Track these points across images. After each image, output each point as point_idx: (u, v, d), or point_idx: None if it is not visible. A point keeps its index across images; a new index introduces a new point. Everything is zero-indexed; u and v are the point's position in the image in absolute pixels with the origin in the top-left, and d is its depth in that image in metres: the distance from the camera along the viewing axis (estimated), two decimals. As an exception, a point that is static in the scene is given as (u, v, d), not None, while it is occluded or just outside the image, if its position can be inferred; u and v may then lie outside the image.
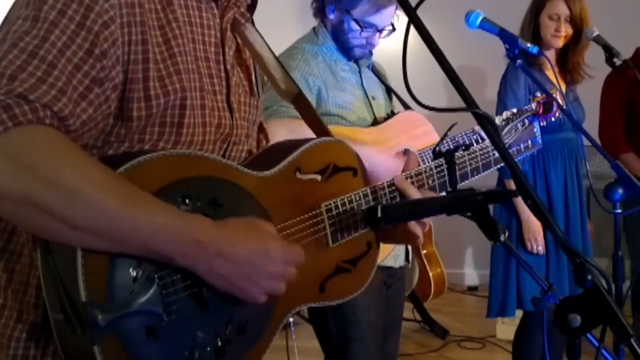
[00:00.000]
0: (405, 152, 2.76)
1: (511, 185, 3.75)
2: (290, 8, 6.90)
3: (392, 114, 3.05)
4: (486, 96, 3.84)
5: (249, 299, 1.37)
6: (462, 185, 1.95)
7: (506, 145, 2.18)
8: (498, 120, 2.29)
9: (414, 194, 1.75)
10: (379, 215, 1.66)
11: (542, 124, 2.39)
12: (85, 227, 1.20)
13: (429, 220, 1.77)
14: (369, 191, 1.72)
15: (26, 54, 1.23)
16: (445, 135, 1.95)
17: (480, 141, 2.58)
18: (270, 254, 1.37)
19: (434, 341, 5.78)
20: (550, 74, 3.75)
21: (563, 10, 3.81)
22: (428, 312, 5.99)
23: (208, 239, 1.30)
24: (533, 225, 3.76)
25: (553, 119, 2.83)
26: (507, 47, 3.10)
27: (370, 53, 3.04)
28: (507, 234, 1.45)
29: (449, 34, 4.19)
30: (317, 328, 3.02)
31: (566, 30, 3.80)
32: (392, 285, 3.09)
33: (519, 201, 3.73)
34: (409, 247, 3.13)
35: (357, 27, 2.87)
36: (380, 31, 2.93)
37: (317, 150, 1.65)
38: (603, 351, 1.29)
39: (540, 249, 3.75)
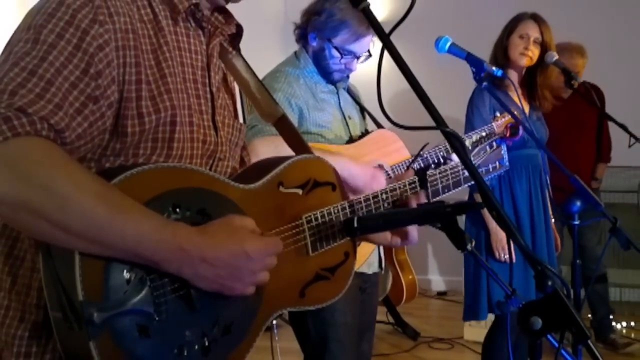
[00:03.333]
0: (379, 167, 2.78)
1: (479, 198, 3.75)
2: (274, 33, 6.91)
3: (366, 132, 3.07)
4: (455, 115, 3.85)
5: (238, 293, 1.39)
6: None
7: (475, 166, 2.19)
8: (468, 142, 2.30)
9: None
10: (356, 225, 1.67)
11: (508, 144, 2.40)
12: (76, 232, 1.21)
13: (413, 236, 1.77)
14: (346, 204, 1.73)
15: (26, 72, 1.24)
16: (418, 155, 1.96)
17: (449, 153, 2.58)
18: (250, 254, 1.37)
19: (406, 342, 5.77)
20: (513, 94, 3.76)
21: (533, 31, 3.81)
22: (401, 316, 5.98)
23: (191, 246, 1.30)
24: (500, 235, 3.74)
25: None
26: (474, 70, 3.11)
27: (347, 76, 3.06)
28: (473, 243, 1.46)
29: (420, 57, 4.20)
30: (296, 330, 3.01)
31: (533, 51, 3.79)
32: (367, 289, 3.10)
33: (487, 213, 3.73)
34: (382, 255, 3.14)
35: (337, 54, 2.90)
36: (358, 57, 2.95)
37: (298, 166, 1.67)
38: (562, 351, 1.29)
39: (507, 257, 3.73)
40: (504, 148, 2.30)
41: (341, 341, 2.89)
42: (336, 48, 2.88)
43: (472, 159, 2.17)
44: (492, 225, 3.75)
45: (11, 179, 1.18)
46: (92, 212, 1.22)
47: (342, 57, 2.90)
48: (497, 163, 2.27)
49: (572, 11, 6.68)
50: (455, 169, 2.04)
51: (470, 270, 3.89)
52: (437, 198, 1.99)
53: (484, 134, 2.33)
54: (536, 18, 3.88)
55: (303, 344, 3.01)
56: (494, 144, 2.28)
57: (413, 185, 1.91)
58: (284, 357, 4.39)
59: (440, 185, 2.00)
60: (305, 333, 2.95)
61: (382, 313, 5.54)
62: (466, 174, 2.09)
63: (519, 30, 3.85)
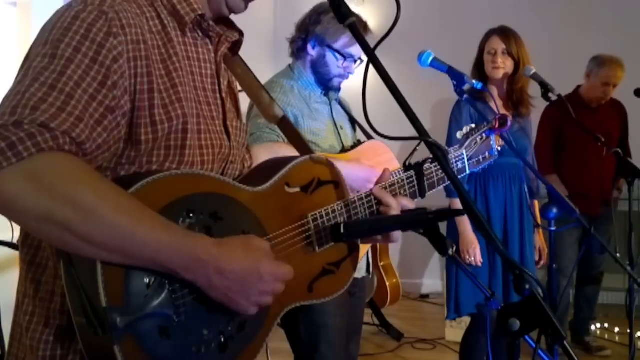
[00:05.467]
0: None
1: (455, 203, 3.80)
2: (264, 50, 6.92)
3: (358, 142, 3.08)
4: (438, 126, 3.86)
5: (241, 311, 1.39)
6: (430, 193, 1.97)
7: (468, 156, 2.21)
8: (459, 134, 2.32)
9: (391, 201, 1.79)
10: (342, 231, 1.67)
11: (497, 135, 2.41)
12: (100, 243, 1.22)
13: (397, 236, 1.78)
14: (349, 202, 1.75)
15: (46, 87, 1.24)
16: (415, 150, 1.96)
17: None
18: (263, 274, 1.38)
19: (390, 343, 5.77)
20: (493, 105, 3.77)
21: (498, 44, 3.85)
22: (385, 317, 5.98)
23: (208, 257, 1.31)
24: (468, 239, 3.75)
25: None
26: (455, 83, 3.12)
27: (339, 89, 3.09)
28: (455, 248, 1.46)
29: (404, 71, 4.21)
30: (288, 332, 3.01)
31: (504, 62, 3.83)
32: (355, 293, 3.11)
33: (460, 217, 3.74)
34: (370, 260, 3.14)
35: (340, 57, 2.95)
36: (356, 61, 3.00)
37: (303, 167, 1.68)
38: (540, 351, 1.30)
39: (473, 259, 3.74)
40: (492, 138, 2.32)
41: (331, 342, 2.89)
42: (337, 51, 2.94)
43: (463, 152, 2.19)
44: (462, 227, 3.77)
45: (36, 194, 1.18)
46: (115, 224, 1.22)
47: (344, 60, 2.96)
48: (487, 153, 2.29)
49: (570, 28, 6.72)
50: (450, 162, 2.06)
51: (447, 273, 3.90)
52: (433, 190, 2.01)
53: (473, 125, 2.34)
54: (500, 32, 3.92)
55: (294, 345, 3.01)
56: (484, 135, 2.30)
57: (411, 179, 1.93)
58: (275, 357, 4.38)
59: (435, 178, 2.01)
60: (296, 334, 2.95)
61: (367, 315, 5.52)
62: (459, 165, 2.16)
63: (487, 48, 3.93)
